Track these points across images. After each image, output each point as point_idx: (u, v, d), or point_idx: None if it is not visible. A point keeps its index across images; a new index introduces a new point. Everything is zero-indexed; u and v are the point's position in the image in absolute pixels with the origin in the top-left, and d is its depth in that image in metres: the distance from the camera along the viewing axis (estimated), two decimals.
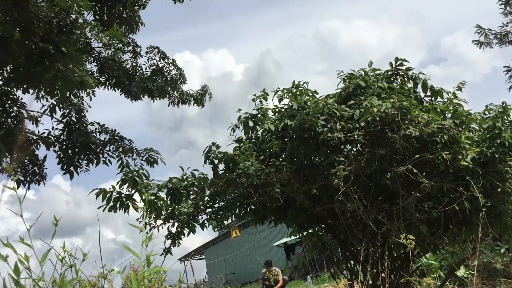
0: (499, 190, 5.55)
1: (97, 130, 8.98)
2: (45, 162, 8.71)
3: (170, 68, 11.05)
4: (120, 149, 8.73)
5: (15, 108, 8.36)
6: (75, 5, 6.26)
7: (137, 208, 6.15)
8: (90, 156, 8.69)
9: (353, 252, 6.29)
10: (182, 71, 11.17)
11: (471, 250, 6.73)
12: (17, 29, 6.44)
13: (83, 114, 8.92)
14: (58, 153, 8.62)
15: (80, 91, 9.02)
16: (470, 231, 5.86)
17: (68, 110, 8.77)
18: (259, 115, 6.49)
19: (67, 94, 8.19)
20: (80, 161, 8.69)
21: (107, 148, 8.86)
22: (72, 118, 8.86)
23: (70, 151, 8.60)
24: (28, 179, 8.48)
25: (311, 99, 6.18)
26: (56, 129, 8.76)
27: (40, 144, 8.65)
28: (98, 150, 8.75)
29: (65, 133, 8.71)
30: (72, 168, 8.63)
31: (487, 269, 10.70)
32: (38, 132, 8.66)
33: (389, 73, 6.36)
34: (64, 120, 8.80)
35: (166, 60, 11.02)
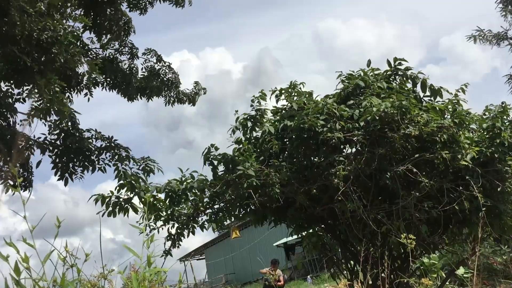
0: (498, 189, 5.56)
1: (93, 137, 8.88)
2: (39, 166, 8.57)
3: (166, 70, 11.08)
4: (116, 157, 8.65)
5: (8, 112, 8.27)
6: (60, 26, 6.22)
7: (136, 211, 6.15)
8: (86, 163, 8.60)
9: (353, 252, 6.29)
10: (177, 74, 11.20)
11: (471, 250, 6.73)
12: None
13: (74, 121, 8.79)
14: (53, 158, 8.51)
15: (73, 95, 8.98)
16: (470, 230, 5.87)
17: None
18: (257, 116, 6.49)
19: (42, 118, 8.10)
20: (76, 167, 8.58)
21: (103, 155, 8.76)
22: (68, 124, 8.76)
23: (64, 158, 8.49)
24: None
25: (308, 99, 6.20)
26: (52, 133, 8.65)
27: (35, 149, 8.53)
28: (93, 157, 8.65)
29: (60, 139, 8.60)
30: (66, 175, 8.53)
31: (487, 269, 10.71)
32: (34, 136, 8.57)
33: (388, 73, 6.36)
34: (61, 126, 8.69)
35: (162, 63, 11.05)
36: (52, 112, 7.00)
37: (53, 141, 8.58)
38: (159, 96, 11.06)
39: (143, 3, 10.86)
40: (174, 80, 11.12)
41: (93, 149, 8.68)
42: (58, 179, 8.51)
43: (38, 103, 6.76)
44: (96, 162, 8.68)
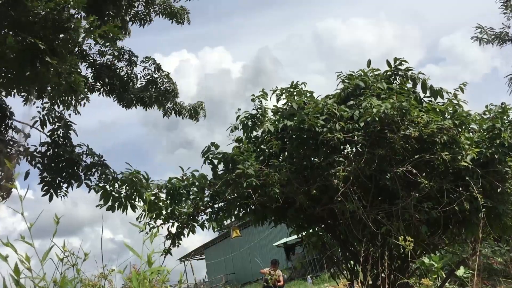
0: (498, 190, 5.55)
1: (84, 152, 8.76)
2: (27, 178, 8.40)
3: (164, 80, 11.05)
4: (103, 176, 8.53)
5: (3, 118, 8.23)
6: (71, 2, 6.21)
7: (135, 208, 6.15)
8: (71, 180, 8.47)
9: (353, 252, 6.30)
10: (176, 85, 11.16)
11: (471, 250, 6.74)
12: (8, 26, 6.36)
13: (69, 132, 8.70)
14: (41, 170, 8.32)
15: (70, 98, 8.90)
16: (470, 231, 5.87)
17: (56, 126, 8.56)
18: (258, 115, 6.49)
19: (56, 100, 8.05)
20: (62, 183, 8.43)
21: (91, 173, 8.59)
22: (60, 135, 8.59)
23: (52, 172, 8.29)
24: None
25: (309, 99, 6.20)
26: (44, 144, 8.44)
27: (21, 158, 8.36)
28: (81, 173, 8.53)
29: (51, 151, 8.42)
30: (51, 190, 8.36)
31: (487, 269, 10.72)
32: (27, 144, 8.44)
33: (388, 73, 6.36)
34: (53, 137, 8.52)
35: (160, 72, 11.01)
36: (66, 94, 6.89)
37: (43, 150, 8.41)
38: (158, 108, 10.99)
39: (144, 17, 10.87)
40: (171, 90, 11.06)
41: (83, 165, 8.54)
42: (43, 195, 8.25)
43: (54, 84, 6.64)
44: (83, 177, 8.55)
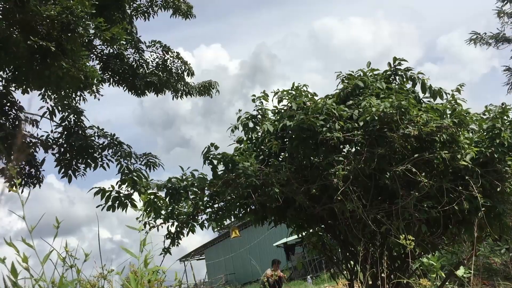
0: (498, 190, 5.55)
1: (96, 134, 8.93)
2: (43, 164, 8.69)
3: (175, 60, 10.97)
4: (119, 153, 8.70)
5: (13, 111, 8.35)
6: (79, 6, 6.27)
7: (135, 207, 6.16)
8: (88, 161, 8.66)
9: (353, 252, 6.29)
10: (189, 64, 11.06)
11: (470, 250, 6.73)
12: (17, 29, 6.45)
13: (81, 118, 8.87)
14: (57, 156, 8.59)
15: (83, 90, 9.00)
16: (469, 231, 5.86)
17: (67, 114, 8.73)
18: (259, 116, 6.49)
19: (71, 93, 8.18)
20: (79, 164, 8.65)
21: (106, 152, 8.82)
22: (71, 122, 8.82)
23: (68, 155, 8.56)
24: (23, 181, 8.43)
25: (310, 100, 6.19)
26: (55, 132, 8.72)
27: (39, 147, 8.61)
28: (96, 154, 8.70)
29: (63, 137, 8.67)
30: (70, 172, 8.60)
31: (487, 269, 10.71)
32: (37, 134, 8.65)
33: (387, 73, 6.36)
34: (63, 124, 8.76)
35: (170, 54, 10.96)
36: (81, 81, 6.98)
37: (56, 139, 8.65)
38: (164, 90, 10.86)
39: (148, 11, 10.84)
40: (184, 69, 10.97)
41: (96, 146, 8.74)
42: (62, 177, 8.61)
43: (68, 72, 6.69)
44: (99, 159, 8.75)
